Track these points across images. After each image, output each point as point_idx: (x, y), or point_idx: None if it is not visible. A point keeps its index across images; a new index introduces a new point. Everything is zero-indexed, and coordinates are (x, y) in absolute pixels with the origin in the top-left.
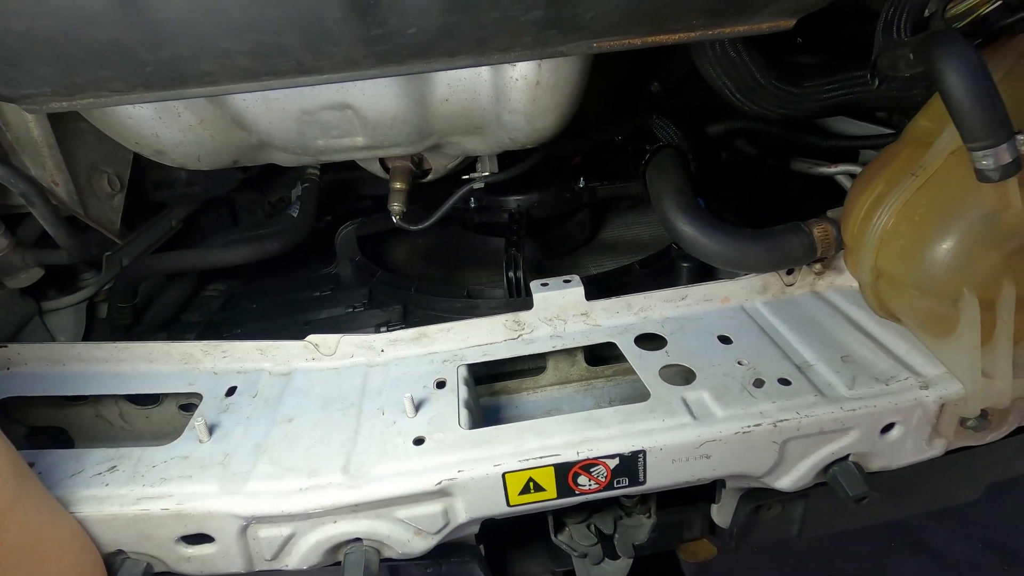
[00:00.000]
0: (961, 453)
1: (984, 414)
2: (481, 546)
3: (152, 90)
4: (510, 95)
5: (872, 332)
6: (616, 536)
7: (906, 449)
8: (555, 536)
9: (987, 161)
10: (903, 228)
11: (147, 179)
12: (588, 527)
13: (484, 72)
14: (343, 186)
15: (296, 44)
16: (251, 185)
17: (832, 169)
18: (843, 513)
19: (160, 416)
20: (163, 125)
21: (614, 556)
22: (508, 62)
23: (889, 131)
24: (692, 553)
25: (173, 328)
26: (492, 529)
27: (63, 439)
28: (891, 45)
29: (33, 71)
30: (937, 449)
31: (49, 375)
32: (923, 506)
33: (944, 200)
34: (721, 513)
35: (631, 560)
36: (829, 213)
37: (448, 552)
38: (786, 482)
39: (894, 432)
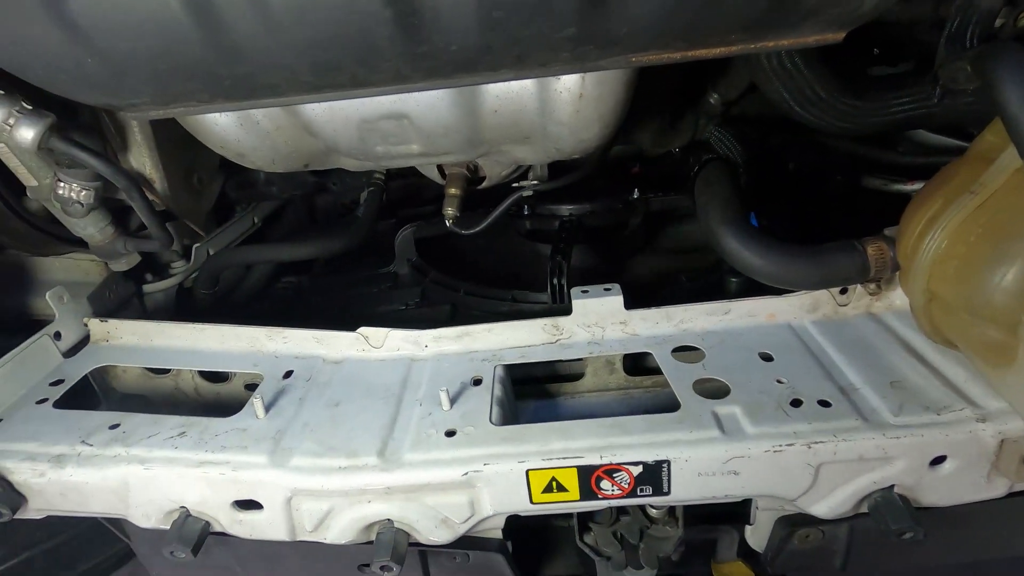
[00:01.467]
0: None
1: None
2: (509, 543)
3: (231, 100)
4: (555, 107)
5: (928, 359)
6: (641, 546)
7: (961, 486)
8: (580, 539)
9: None
10: (958, 249)
11: (231, 180)
12: (614, 534)
13: (530, 85)
14: (409, 191)
15: (350, 60)
16: (327, 189)
17: (909, 187)
18: (893, 550)
19: (228, 392)
20: (244, 132)
21: (637, 566)
22: (549, 75)
23: None
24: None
25: (246, 315)
26: (521, 529)
27: (147, 406)
28: (953, 57)
29: (134, 85)
30: (999, 489)
31: (139, 348)
32: (990, 551)
33: (1004, 220)
34: (756, 535)
35: (654, 572)
36: (886, 231)
37: (476, 545)
38: (823, 508)
39: (946, 466)
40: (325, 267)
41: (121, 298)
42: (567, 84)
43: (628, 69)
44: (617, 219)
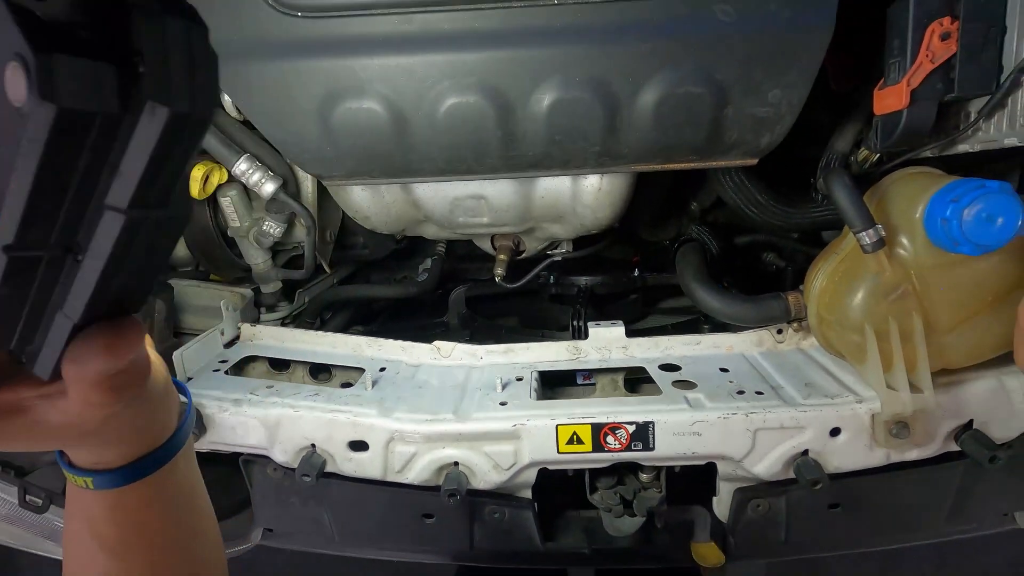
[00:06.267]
0: (923, 477)
1: (904, 426)
2: (535, 503)
3: (388, 177)
4: (582, 195)
5: (832, 371)
6: (635, 501)
7: (853, 452)
8: (590, 495)
9: (864, 240)
10: (830, 286)
11: (340, 241)
12: (615, 493)
13: (567, 181)
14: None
15: (469, 157)
16: (383, 267)
17: None
18: (823, 524)
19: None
20: (372, 202)
21: (632, 515)
22: (580, 174)
23: None
24: (702, 556)
25: None
26: (545, 499)
27: None
28: (818, 177)
29: (342, 166)
30: (879, 456)
31: (274, 347)
32: (902, 536)
33: (851, 267)
34: (720, 507)
35: (644, 519)
36: (801, 287)
37: (512, 504)
38: (762, 468)
39: (841, 436)
40: (387, 319)
41: (250, 320)
42: (591, 181)
43: (630, 174)
44: (621, 289)
